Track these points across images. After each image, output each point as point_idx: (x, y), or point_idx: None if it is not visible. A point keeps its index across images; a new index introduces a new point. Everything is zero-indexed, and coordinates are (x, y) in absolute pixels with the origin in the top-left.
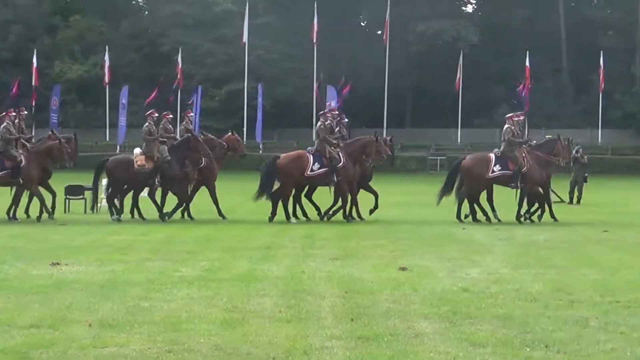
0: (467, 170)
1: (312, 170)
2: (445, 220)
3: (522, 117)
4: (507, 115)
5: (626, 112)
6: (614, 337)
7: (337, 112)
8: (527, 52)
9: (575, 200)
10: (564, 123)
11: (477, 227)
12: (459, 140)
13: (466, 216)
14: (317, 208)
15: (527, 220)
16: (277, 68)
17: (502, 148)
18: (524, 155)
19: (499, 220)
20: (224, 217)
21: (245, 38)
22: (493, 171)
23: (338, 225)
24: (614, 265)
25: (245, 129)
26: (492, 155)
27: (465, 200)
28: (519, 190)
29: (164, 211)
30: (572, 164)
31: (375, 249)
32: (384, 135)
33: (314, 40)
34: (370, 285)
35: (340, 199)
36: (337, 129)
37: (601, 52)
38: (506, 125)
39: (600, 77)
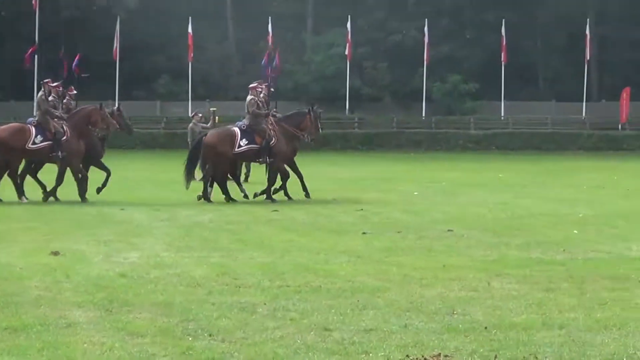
0: (211, 147)
1: (239, 146)
2: (104, 200)
3: (264, 86)
4: (250, 85)
5: (297, 83)
6: (284, 323)
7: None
8: (190, 18)
9: (242, 177)
10: (230, 95)
11: (137, 208)
12: None
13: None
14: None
15: (287, 197)
16: None
17: (246, 121)
18: (270, 127)
19: (246, 197)
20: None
21: None
22: (240, 146)
23: None
24: (284, 247)
25: None
26: (237, 130)
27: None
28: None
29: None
30: None
31: (27, 232)
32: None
33: None
34: (19, 271)
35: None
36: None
37: (269, 18)
38: (249, 97)
39: (270, 44)
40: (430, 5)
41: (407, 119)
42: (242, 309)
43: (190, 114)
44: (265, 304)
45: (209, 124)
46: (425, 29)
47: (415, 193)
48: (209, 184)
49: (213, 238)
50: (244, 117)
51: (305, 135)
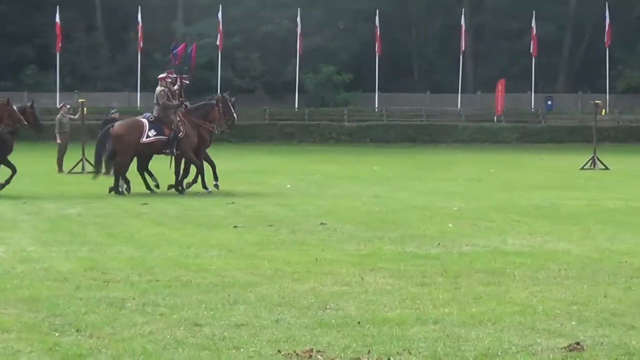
0: (118, 137)
1: (147, 137)
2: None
3: (178, 78)
4: (160, 76)
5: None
6: (153, 319)
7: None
8: (58, 7)
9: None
10: (100, 86)
11: (2, 201)
12: None
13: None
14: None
15: (205, 190)
16: None
17: (155, 112)
18: (179, 119)
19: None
20: None
21: None
22: (148, 136)
23: None
24: (153, 240)
25: None
26: (145, 121)
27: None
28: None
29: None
30: None
31: None
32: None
33: None
34: None
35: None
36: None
37: (139, 7)
38: (159, 88)
39: (139, 34)
40: None
41: (279, 110)
42: (110, 304)
43: (58, 105)
44: (134, 298)
45: (76, 116)
46: (298, 18)
47: (288, 186)
48: (120, 177)
49: (81, 232)
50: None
51: (214, 127)
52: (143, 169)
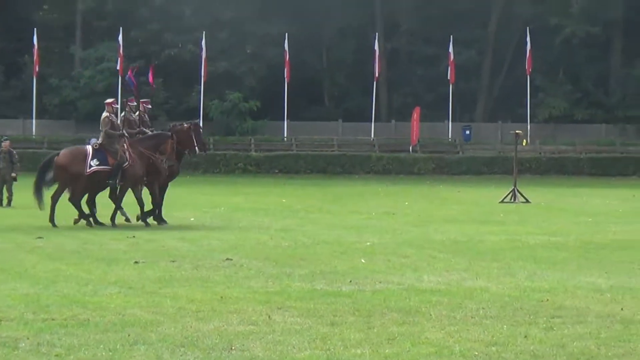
0: (63, 167)
1: (90, 166)
2: None
3: (134, 103)
4: (106, 101)
5: (65, 99)
6: (48, 359)
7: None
8: None
9: (5, 202)
10: None
11: None
12: None
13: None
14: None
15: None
16: None
17: (100, 139)
18: (125, 148)
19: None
20: None
21: None
22: (90, 166)
23: None
24: (49, 276)
25: None
26: (89, 148)
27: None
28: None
29: None
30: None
31: None
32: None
33: None
34: None
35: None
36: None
37: (35, 29)
38: (104, 113)
39: (35, 57)
40: (208, 16)
41: None
42: (2, 344)
43: None
44: (28, 338)
45: None
46: (203, 42)
47: (192, 219)
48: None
49: None
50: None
51: (164, 160)
52: (90, 200)
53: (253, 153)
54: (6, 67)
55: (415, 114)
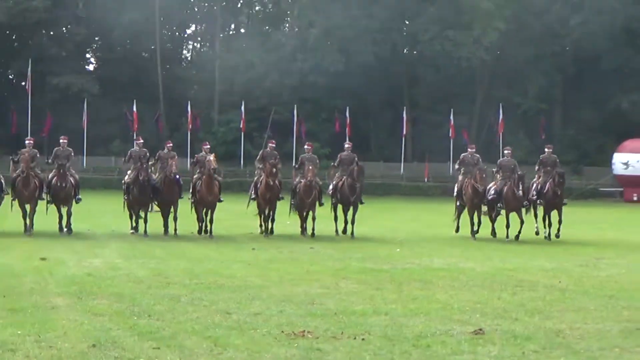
0: None
1: None
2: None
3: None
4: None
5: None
6: (199, 308)
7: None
8: (135, 101)
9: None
10: None
11: (99, 229)
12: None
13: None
14: None
15: None
16: None
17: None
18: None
19: None
20: None
21: None
22: None
23: None
24: (199, 257)
25: None
26: None
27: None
28: None
29: None
30: None
31: (21, 244)
32: None
33: None
34: (18, 270)
35: None
36: None
37: (189, 102)
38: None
39: (189, 119)
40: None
41: None
42: (170, 299)
43: None
44: (186, 295)
45: None
46: (295, 110)
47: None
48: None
49: (151, 250)
50: None
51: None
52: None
53: None
54: (171, 128)
55: (427, 158)
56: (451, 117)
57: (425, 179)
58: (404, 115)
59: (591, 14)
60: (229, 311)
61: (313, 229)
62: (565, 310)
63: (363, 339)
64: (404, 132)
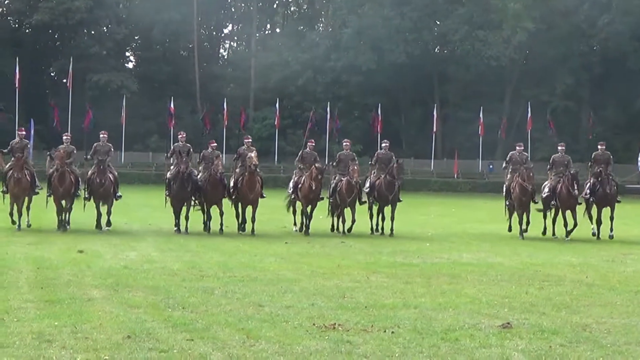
0: None
1: None
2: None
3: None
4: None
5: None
6: (232, 301)
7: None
8: (172, 98)
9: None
10: None
11: (135, 223)
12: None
13: None
14: None
15: None
16: None
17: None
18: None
19: None
20: None
21: None
22: None
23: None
24: (232, 250)
25: None
26: None
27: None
28: None
29: None
30: None
31: (59, 238)
32: None
33: (17, 85)
34: (56, 263)
35: None
36: None
37: (225, 99)
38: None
39: (225, 116)
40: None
41: None
42: (204, 291)
43: None
44: (219, 288)
45: None
46: (328, 108)
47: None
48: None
49: (185, 243)
50: None
51: None
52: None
53: None
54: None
55: (456, 154)
56: (480, 115)
57: (455, 175)
58: (435, 112)
59: (618, 15)
60: (261, 304)
61: (350, 228)
62: (592, 305)
63: (392, 332)
64: (434, 129)
